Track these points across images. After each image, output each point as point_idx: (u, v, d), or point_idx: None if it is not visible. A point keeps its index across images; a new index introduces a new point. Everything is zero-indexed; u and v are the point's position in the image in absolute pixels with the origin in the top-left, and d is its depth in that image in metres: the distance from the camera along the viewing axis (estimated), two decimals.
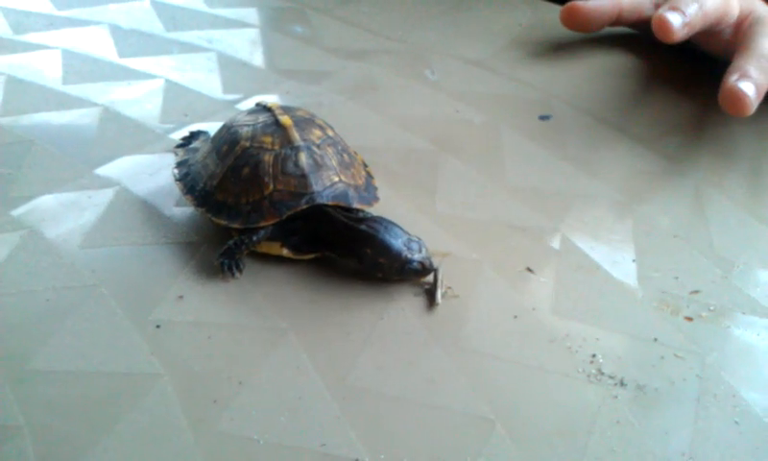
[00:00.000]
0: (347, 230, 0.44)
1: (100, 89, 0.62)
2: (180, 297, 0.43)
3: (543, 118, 0.61)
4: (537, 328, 0.42)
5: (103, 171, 0.52)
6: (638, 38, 0.71)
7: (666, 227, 0.50)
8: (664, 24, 0.57)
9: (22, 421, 0.36)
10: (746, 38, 0.58)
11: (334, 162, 0.46)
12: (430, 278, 0.44)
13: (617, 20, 0.67)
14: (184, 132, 0.56)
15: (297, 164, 0.44)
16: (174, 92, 0.62)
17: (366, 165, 0.50)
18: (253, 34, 0.74)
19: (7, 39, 0.70)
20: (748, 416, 0.38)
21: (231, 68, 0.67)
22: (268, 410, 0.37)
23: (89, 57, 0.67)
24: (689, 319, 0.43)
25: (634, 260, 0.47)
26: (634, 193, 0.53)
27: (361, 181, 0.47)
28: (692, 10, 0.57)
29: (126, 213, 0.49)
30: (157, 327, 0.41)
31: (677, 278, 0.46)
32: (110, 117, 0.59)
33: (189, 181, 0.48)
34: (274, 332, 0.41)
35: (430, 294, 0.43)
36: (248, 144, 0.45)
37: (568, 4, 0.67)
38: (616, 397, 0.38)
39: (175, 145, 0.54)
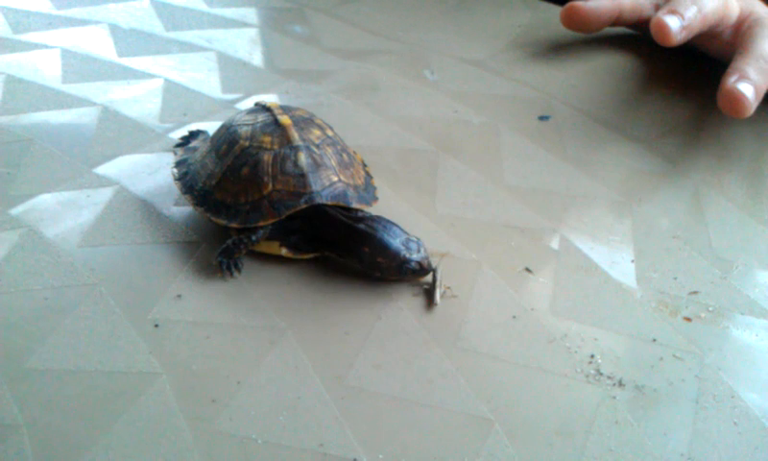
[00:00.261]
0: (345, 229, 0.44)
1: (99, 89, 0.62)
2: (179, 296, 0.43)
3: (543, 119, 0.61)
4: (535, 329, 0.42)
5: (102, 170, 0.52)
6: (638, 39, 0.71)
7: (665, 227, 0.50)
8: (662, 28, 0.57)
9: (20, 419, 0.36)
10: (745, 40, 0.58)
11: (333, 162, 0.46)
12: (429, 277, 0.44)
13: (617, 21, 0.67)
14: (183, 131, 0.56)
15: (296, 164, 0.44)
16: (173, 92, 0.62)
17: (365, 165, 0.50)
18: (253, 33, 0.74)
19: (6, 39, 0.70)
20: (747, 417, 0.38)
21: (231, 68, 0.67)
22: (266, 410, 0.37)
23: (89, 56, 0.67)
24: (688, 319, 0.43)
25: (632, 261, 0.47)
26: (633, 194, 0.53)
27: (360, 181, 0.47)
28: (690, 13, 0.57)
29: (125, 212, 0.49)
30: (156, 326, 0.41)
31: (676, 278, 0.46)
32: (110, 116, 0.59)
33: (188, 181, 0.48)
34: (272, 332, 0.41)
35: (429, 294, 0.43)
36: (247, 144, 0.45)
37: (568, 4, 0.67)
38: (615, 397, 0.38)
39: (174, 144, 0.54)
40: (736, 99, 0.53)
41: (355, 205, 0.45)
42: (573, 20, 0.67)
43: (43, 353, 0.39)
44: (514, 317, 0.43)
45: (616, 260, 0.47)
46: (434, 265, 0.44)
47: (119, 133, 0.57)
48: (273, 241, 0.45)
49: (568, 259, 0.47)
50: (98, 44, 0.69)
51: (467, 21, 0.77)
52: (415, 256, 0.43)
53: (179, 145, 0.54)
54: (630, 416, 0.37)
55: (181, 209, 0.49)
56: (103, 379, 0.38)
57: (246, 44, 0.72)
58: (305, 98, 0.62)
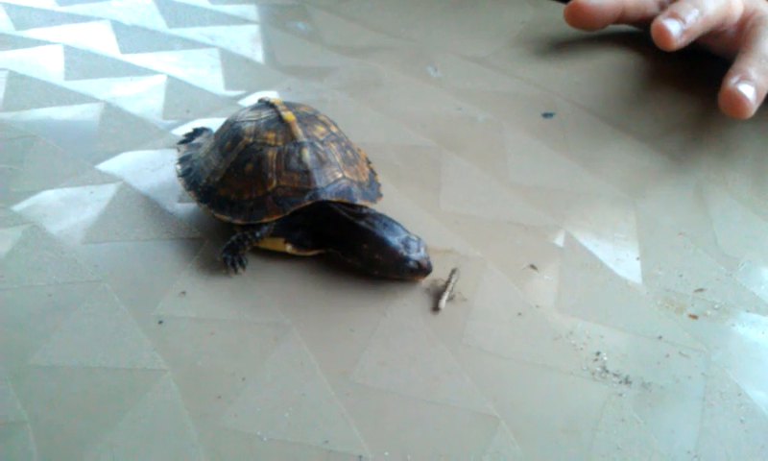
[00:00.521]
0: (347, 225, 0.44)
1: (102, 85, 0.62)
2: (183, 292, 0.43)
3: (547, 116, 0.61)
4: (541, 326, 0.42)
5: (105, 167, 0.52)
6: (642, 37, 0.71)
7: (670, 224, 0.50)
8: (663, 32, 0.56)
9: (25, 416, 0.36)
10: (748, 39, 0.58)
11: (337, 159, 0.45)
12: (443, 278, 0.44)
13: (621, 18, 0.67)
14: (186, 128, 0.56)
15: (300, 160, 0.44)
16: (176, 88, 0.62)
17: (369, 162, 0.50)
18: (255, 30, 0.74)
19: (9, 35, 0.69)
20: (753, 414, 0.38)
21: (233, 65, 0.67)
22: (271, 406, 0.37)
23: (91, 52, 0.67)
24: (694, 317, 0.43)
25: (638, 258, 0.47)
26: (637, 191, 0.53)
27: (365, 178, 0.47)
28: (692, 17, 0.57)
29: (128, 209, 0.49)
30: (160, 322, 0.41)
31: (681, 275, 0.46)
32: (112, 113, 0.59)
33: (192, 177, 0.48)
34: (277, 328, 0.41)
35: (436, 297, 0.43)
36: (251, 140, 0.45)
37: (572, 2, 0.66)
38: (621, 395, 0.38)
39: (177, 142, 0.54)
40: (737, 100, 0.53)
41: (359, 201, 0.45)
42: (577, 17, 0.67)
43: (47, 350, 0.39)
44: (519, 314, 0.43)
45: (621, 257, 0.47)
46: (451, 269, 0.44)
47: (122, 129, 0.57)
48: (277, 238, 0.45)
49: (573, 256, 0.47)
50: (100, 41, 0.69)
51: (470, 18, 0.77)
52: (414, 256, 0.43)
53: (182, 142, 0.54)
54: (636, 413, 0.37)
55: (185, 206, 0.49)
56: (107, 376, 0.38)
57: (248, 41, 0.71)
58: (308, 95, 0.62)
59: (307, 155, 0.44)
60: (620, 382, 0.39)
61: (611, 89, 0.65)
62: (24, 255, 0.45)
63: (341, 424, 0.36)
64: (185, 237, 0.46)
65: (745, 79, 0.54)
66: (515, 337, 0.41)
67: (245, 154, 0.45)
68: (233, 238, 0.44)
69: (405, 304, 0.43)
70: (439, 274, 0.44)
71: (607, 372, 0.39)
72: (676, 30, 0.56)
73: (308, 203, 0.44)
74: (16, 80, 0.62)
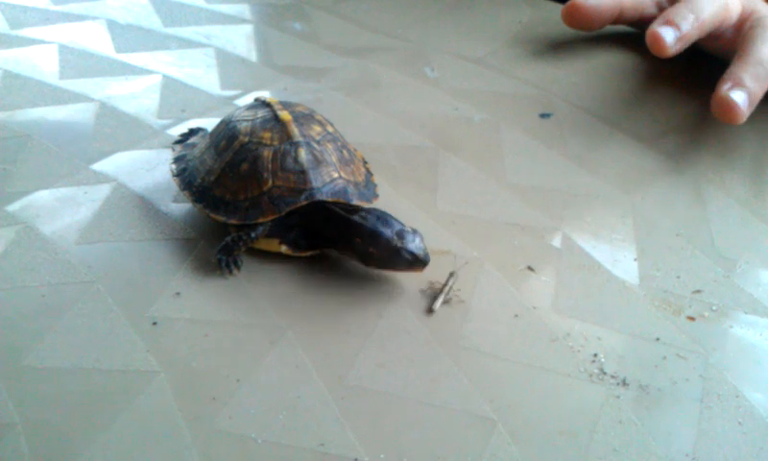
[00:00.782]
0: (341, 222, 0.43)
1: (97, 84, 0.62)
2: (178, 294, 0.42)
3: (544, 116, 0.61)
4: (538, 328, 0.42)
5: (99, 167, 0.52)
6: (639, 37, 0.70)
7: (668, 226, 0.50)
8: (657, 40, 0.56)
9: (17, 418, 0.35)
10: (744, 43, 0.58)
11: (334, 159, 0.45)
12: (441, 281, 0.43)
13: (618, 19, 0.67)
14: (182, 127, 0.56)
15: (296, 160, 0.44)
16: (171, 88, 0.62)
17: (365, 162, 0.50)
18: (252, 30, 0.73)
19: (3, 34, 0.69)
20: (751, 416, 0.37)
21: (229, 64, 0.66)
22: (266, 408, 0.36)
23: (86, 52, 0.67)
24: (691, 319, 0.43)
25: (635, 259, 0.47)
26: (635, 192, 0.53)
27: (361, 178, 0.47)
28: (687, 24, 0.57)
29: (122, 209, 0.48)
30: (154, 323, 0.41)
31: (679, 277, 0.46)
32: (107, 113, 0.58)
33: (187, 177, 0.47)
34: (272, 330, 0.41)
35: (433, 299, 0.43)
36: (246, 139, 0.45)
37: (570, 2, 0.66)
38: (619, 397, 0.38)
39: (172, 141, 0.54)
40: (729, 107, 0.53)
41: (356, 202, 0.45)
42: (575, 18, 0.67)
43: (40, 351, 0.39)
44: (516, 316, 0.42)
45: (619, 259, 0.47)
46: (451, 270, 0.44)
47: (117, 129, 0.56)
48: (272, 238, 0.44)
49: (571, 258, 0.47)
50: (95, 40, 0.69)
51: (467, 18, 0.77)
52: (409, 246, 0.42)
53: (177, 142, 0.54)
54: (634, 415, 0.37)
55: (180, 206, 0.49)
56: (100, 378, 0.37)
57: (244, 40, 0.71)
58: (304, 95, 0.62)
59: (303, 154, 0.44)
60: (617, 384, 0.39)
61: (608, 90, 0.65)
62: (17, 256, 0.44)
63: (336, 426, 0.36)
64: (180, 238, 0.46)
65: (738, 85, 0.54)
66: (512, 339, 0.41)
67: (240, 153, 0.45)
68: (228, 239, 0.44)
69: (402, 306, 0.42)
70: (436, 276, 0.44)
71: (604, 373, 0.39)
72: (670, 37, 0.56)
73: (304, 203, 0.43)
74: (11, 79, 0.62)
